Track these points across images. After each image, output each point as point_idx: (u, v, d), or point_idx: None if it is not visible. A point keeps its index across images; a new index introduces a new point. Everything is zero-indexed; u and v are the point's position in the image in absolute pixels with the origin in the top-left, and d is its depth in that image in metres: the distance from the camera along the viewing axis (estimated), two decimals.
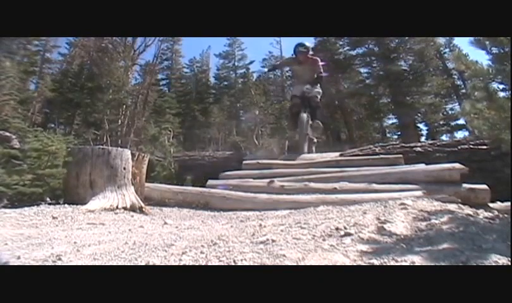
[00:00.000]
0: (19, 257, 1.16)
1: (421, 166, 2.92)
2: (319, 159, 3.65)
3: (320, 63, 4.45)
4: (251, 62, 20.02)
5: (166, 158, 4.65)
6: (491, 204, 2.39)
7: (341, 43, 16.34)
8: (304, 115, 4.12)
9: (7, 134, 3.56)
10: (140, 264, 1.11)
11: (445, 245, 1.16)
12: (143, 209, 2.60)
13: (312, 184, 2.94)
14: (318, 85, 4.52)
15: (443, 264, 0.98)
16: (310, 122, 4.27)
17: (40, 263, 1.12)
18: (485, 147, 3.02)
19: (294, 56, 4.57)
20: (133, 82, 16.11)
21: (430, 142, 3.76)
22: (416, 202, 2.03)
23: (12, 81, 9.95)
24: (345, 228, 1.45)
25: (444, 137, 13.88)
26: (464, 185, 2.47)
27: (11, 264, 1.09)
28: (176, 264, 1.09)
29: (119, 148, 2.79)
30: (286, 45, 20.22)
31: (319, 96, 4.49)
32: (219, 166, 3.89)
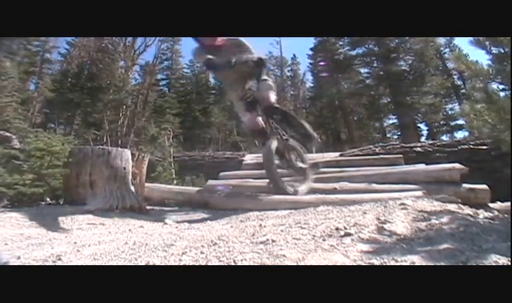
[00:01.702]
0: (19, 257, 1.17)
1: (421, 166, 2.92)
2: (319, 159, 3.65)
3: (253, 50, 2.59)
4: None
5: (166, 158, 4.64)
6: (491, 204, 2.39)
7: (341, 43, 16.39)
8: (272, 142, 2.68)
9: (8, 134, 3.56)
10: (140, 264, 1.11)
11: (445, 246, 1.16)
12: (143, 209, 2.60)
13: (312, 184, 2.95)
14: (266, 81, 2.74)
15: (443, 264, 0.98)
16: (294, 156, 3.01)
17: (40, 263, 1.12)
18: (485, 147, 3.03)
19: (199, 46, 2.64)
20: (133, 82, 16.21)
21: (430, 142, 3.77)
22: (416, 202, 2.02)
23: (14, 81, 9.98)
24: (345, 228, 1.45)
25: (444, 137, 13.93)
26: (464, 185, 2.47)
27: (11, 264, 1.10)
28: (176, 264, 1.09)
29: (119, 148, 2.79)
30: (286, 45, 20.22)
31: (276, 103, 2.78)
32: (218, 166, 3.89)
